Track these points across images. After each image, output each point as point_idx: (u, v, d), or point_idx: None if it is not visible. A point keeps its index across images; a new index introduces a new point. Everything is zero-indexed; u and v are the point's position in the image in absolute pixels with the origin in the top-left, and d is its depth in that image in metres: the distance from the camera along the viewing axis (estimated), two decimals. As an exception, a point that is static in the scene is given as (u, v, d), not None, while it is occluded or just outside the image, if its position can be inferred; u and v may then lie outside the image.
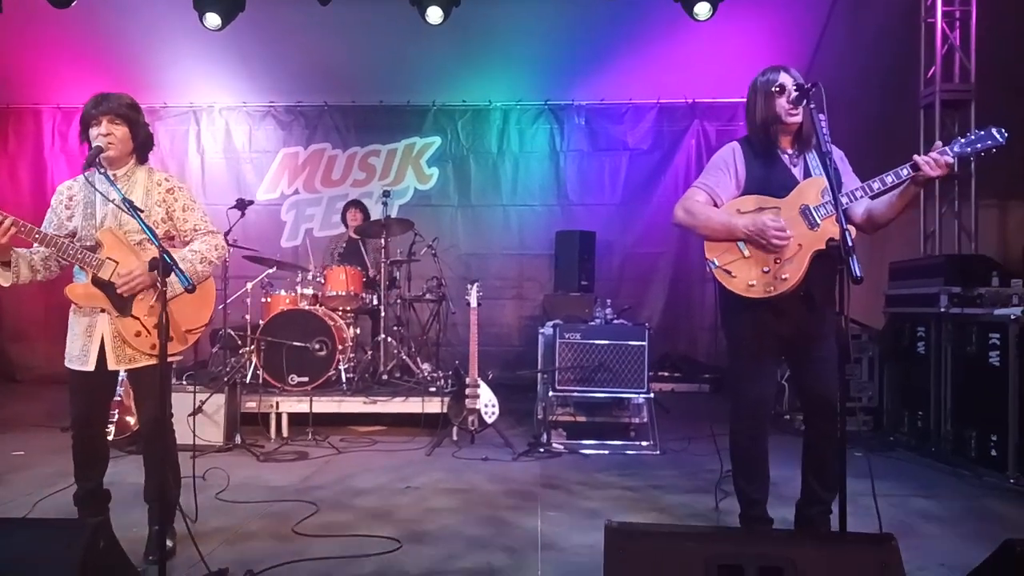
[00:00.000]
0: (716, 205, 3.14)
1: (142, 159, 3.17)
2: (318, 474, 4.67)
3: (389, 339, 6.40)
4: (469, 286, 5.51)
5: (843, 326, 2.70)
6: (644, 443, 5.34)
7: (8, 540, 2.35)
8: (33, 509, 3.76)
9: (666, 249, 8.44)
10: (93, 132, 3.02)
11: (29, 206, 8.79)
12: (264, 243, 7.86)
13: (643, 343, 5.31)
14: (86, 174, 2.95)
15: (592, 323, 5.58)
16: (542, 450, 5.16)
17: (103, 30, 7.34)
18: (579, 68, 8.00)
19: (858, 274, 2.51)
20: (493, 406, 5.34)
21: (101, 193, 2.99)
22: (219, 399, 5.25)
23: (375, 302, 6.55)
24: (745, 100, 3.21)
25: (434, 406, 5.69)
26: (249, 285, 6.43)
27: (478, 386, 5.33)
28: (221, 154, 8.91)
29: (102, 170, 2.94)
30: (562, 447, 5.26)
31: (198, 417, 5.11)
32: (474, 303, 5.44)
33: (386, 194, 6.65)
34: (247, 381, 5.85)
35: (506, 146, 8.76)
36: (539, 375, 5.74)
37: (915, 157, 2.83)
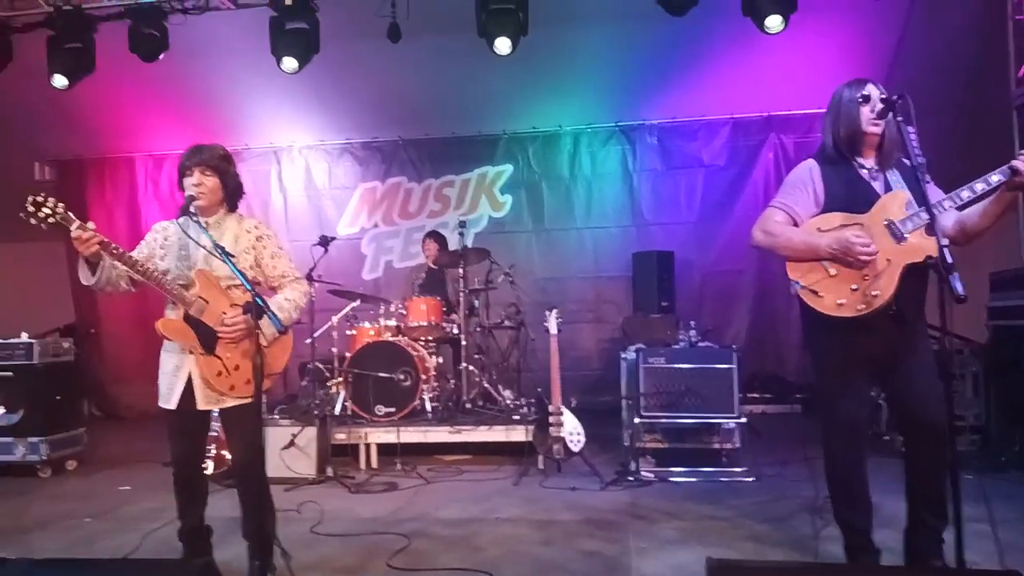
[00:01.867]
0: (796, 224, 3.06)
1: (232, 207, 3.29)
2: (408, 505, 4.72)
3: (471, 367, 6.45)
4: (548, 312, 5.48)
5: (947, 346, 2.57)
6: (737, 469, 5.19)
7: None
8: (141, 544, 3.92)
9: (747, 266, 8.24)
10: (187, 182, 3.16)
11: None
12: (346, 276, 8.06)
13: (731, 366, 5.18)
14: (179, 221, 3.11)
15: (676, 346, 5.48)
16: (631, 478, 5.09)
17: (188, 80, 7.71)
18: (649, 88, 7.95)
19: (961, 292, 2.39)
20: (579, 434, 5.30)
21: (193, 239, 3.13)
22: (311, 432, 5.37)
23: (455, 331, 6.61)
24: (823, 111, 3.14)
25: (518, 435, 5.69)
26: (335, 319, 6.59)
27: (562, 414, 5.30)
28: (302, 192, 9.22)
29: (195, 218, 3.09)
30: (651, 475, 5.16)
31: (291, 450, 5.25)
32: (554, 330, 5.42)
33: (462, 224, 6.75)
34: (336, 413, 5.97)
35: (578, 169, 8.77)
36: (624, 401, 5.67)
37: (1014, 161, 2.69)
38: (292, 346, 3.33)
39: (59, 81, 6.78)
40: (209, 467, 4.91)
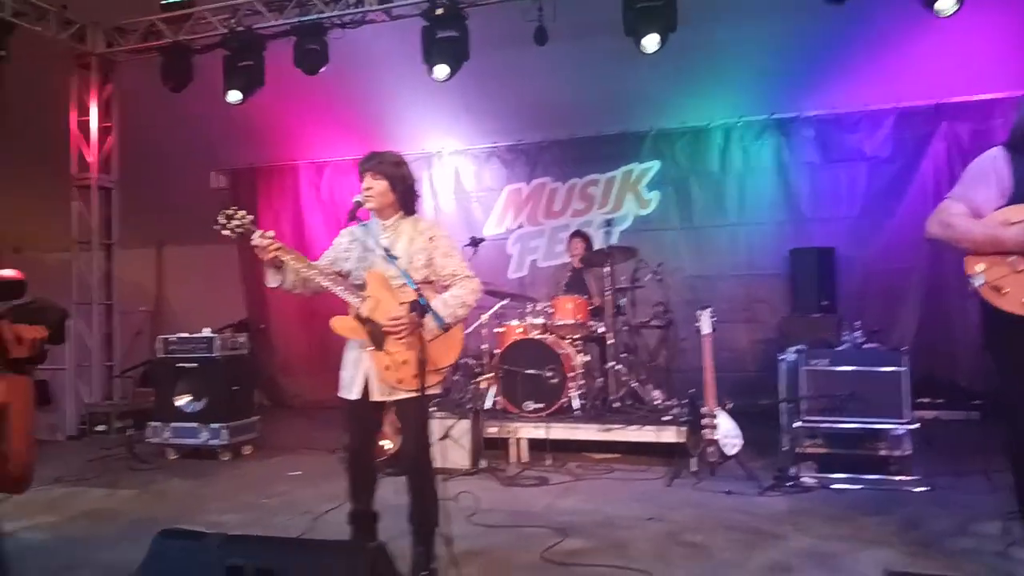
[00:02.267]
0: (977, 217, 2.82)
1: (408, 210, 3.41)
2: (560, 500, 4.77)
3: (618, 366, 6.41)
4: (699, 312, 5.34)
5: None
6: (907, 478, 4.85)
7: (299, 559, 2.62)
8: (313, 526, 4.18)
9: (916, 263, 7.67)
10: (361, 186, 3.35)
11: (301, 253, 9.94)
12: (493, 276, 8.22)
13: (901, 369, 4.85)
14: (362, 225, 3.35)
15: (840, 348, 5.20)
16: (789, 484, 4.87)
17: (346, 90, 8.13)
18: (806, 78, 7.58)
19: None
20: (735, 437, 5.13)
21: (371, 242, 3.33)
22: (464, 425, 5.54)
23: (601, 330, 6.59)
24: (1002, 96, 2.87)
25: (669, 435, 5.60)
26: (484, 316, 6.76)
27: (716, 416, 5.16)
28: (452, 195, 9.51)
29: (363, 222, 3.33)
30: (813, 481, 4.92)
31: (446, 441, 5.43)
32: (707, 329, 5.28)
33: (609, 223, 6.74)
34: (486, 407, 6.12)
35: (728, 164, 8.50)
36: (782, 404, 5.44)
37: None
38: (462, 342, 3.44)
39: (234, 96, 7.37)
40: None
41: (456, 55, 6.72)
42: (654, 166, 8.75)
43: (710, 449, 5.12)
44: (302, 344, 9.80)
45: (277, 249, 3.17)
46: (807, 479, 4.94)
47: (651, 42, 6.26)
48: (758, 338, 8.11)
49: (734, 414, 5.26)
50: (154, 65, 7.76)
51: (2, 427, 1.93)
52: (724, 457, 5.12)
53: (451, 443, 5.48)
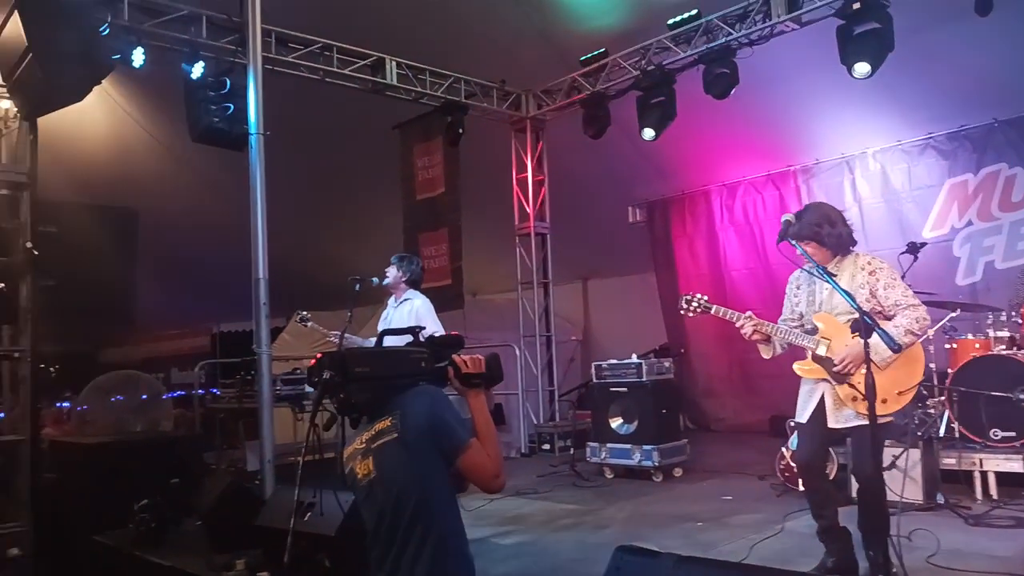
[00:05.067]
0: None
1: (844, 252, 3.63)
2: (1049, 548, 3.94)
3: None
4: None
5: None
6: None
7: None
8: (750, 553, 4.08)
9: None
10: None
11: (708, 277, 10.05)
12: (937, 284, 7.20)
13: None
14: (806, 268, 3.59)
15: None
16: None
17: (756, 107, 8.00)
18: None
19: None
20: None
21: (813, 286, 3.60)
22: (914, 454, 4.93)
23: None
24: None
25: None
26: (931, 331, 5.95)
27: None
28: (879, 198, 8.63)
29: (819, 268, 3.49)
30: None
31: (893, 472, 4.88)
32: None
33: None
34: (941, 436, 5.37)
35: None
36: None
37: None
38: (923, 356, 3.64)
39: (648, 134, 7.74)
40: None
41: (879, 48, 6.17)
42: None
43: None
44: (723, 367, 9.79)
45: (754, 327, 3.60)
46: None
47: None
48: None
49: None
50: (576, 117, 8.57)
51: (488, 431, 2.37)
52: None
53: (897, 474, 4.89)
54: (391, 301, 5.62)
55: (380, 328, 5.64)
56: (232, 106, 6.24)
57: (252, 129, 5.97)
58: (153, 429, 8.02)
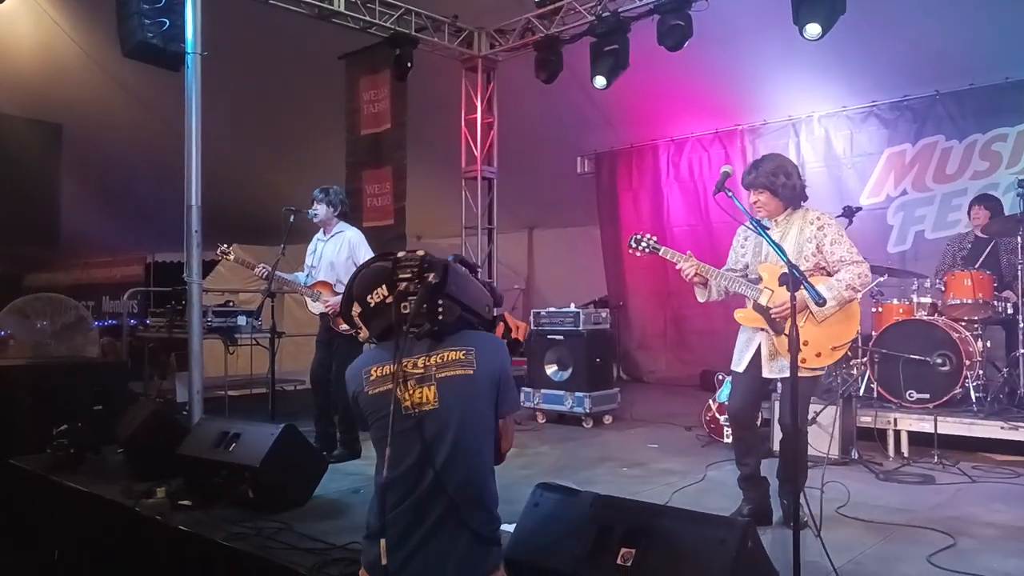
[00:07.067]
0: None
1: (795, 205, 3.70)
2: (949, 503, 4.16)
3: (1031, 354, 5.38)
4: None
5: None
6: None
7: (666, 525, 2.68)
8: (671, 499, 4.18)
9: None
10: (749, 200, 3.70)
11: (650, 232, 10.03)
12: (870, 250, 7.30)
13: None
14: (752, 223, 3.48)
15: None
16: None
17: (707, 64, 7.96)
18: None
19: None
20: None
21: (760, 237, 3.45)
22: (832, 411, 5.11)
23: (1009, 311, 5.59)
24: None
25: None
26: (858, 295, 6.13)
27: None
28: (821, 163, 8.76)
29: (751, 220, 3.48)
30: None
31: (813, 428, 5.05)
32: None
33: (1022, 184, 5.65)
34: (860, 394, 5.59)
35: None
36: None
37: None
38: (859, 313, 3.67)
39: (599, 82, 7.64)
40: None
41: (831, 10, 6.15)
42: (1081, 113, 7.12)
43: None
44: (658, 322, 9.99)
45: (695, 269, 3.64)
46: None
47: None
48: None
49: None
50: (529, 60, 8.40)
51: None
52: None
53: (818, 430, 5.07)
54: (319, 236, 5.51)
55: (308, 263, 5.53)
56: (168, 21, 5.87)
57: (189, 48, 5.65)
58: (77, 355, 7.78)
